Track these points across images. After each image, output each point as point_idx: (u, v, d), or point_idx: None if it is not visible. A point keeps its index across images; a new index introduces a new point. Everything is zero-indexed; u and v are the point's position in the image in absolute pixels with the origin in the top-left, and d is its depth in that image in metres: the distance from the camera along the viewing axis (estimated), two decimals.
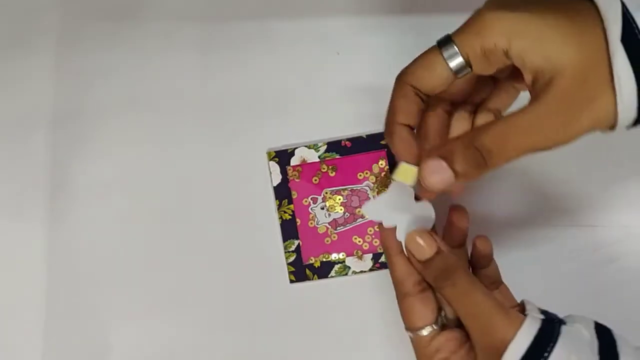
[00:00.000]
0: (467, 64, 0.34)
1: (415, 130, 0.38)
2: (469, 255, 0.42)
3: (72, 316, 0.51)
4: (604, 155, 0.49)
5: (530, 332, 0.34)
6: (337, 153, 0.50)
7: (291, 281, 0.50)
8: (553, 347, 0.33)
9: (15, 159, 0.52)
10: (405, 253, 0.38)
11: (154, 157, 0.52)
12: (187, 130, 0.52)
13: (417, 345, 0.38)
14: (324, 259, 0.50)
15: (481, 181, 0.49)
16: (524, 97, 0.35)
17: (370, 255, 0.50)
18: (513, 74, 0.36)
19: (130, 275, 0.51)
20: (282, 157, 0.50)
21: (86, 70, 0.53)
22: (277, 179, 0.50)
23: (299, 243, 0.50)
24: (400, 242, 0.38)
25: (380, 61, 0.51)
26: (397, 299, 0.39)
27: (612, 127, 0.33)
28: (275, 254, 0.50)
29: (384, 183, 0.50)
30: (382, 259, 0.50)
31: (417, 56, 0.36)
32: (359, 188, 0.50)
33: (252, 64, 0.52)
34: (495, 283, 0.41)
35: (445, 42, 0.34)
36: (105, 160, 0.52)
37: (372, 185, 0.50)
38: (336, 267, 0.50)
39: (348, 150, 0.50)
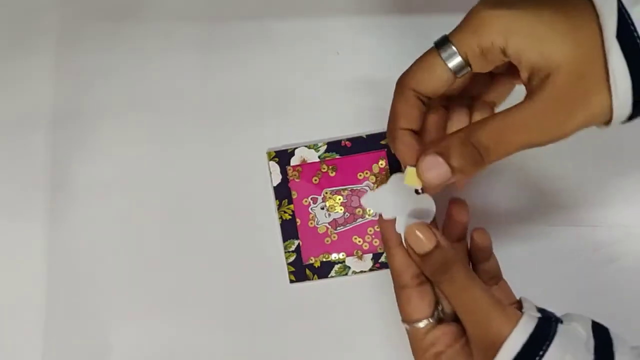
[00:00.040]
0: (466, 63, 0.34)
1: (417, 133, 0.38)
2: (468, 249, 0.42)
3: (72, 316, 0.51)
4: (605, 154, 0.49)
5: (526, 330, 0.34)
6: (337, 153, 0.50)
7: (291, 281, 0.50)
8: (549, 345, 0.33)
9: (15, 159, 0.52)
10: (405, 245, 0.38)
11: (154, 157, 0.52)
12: (187, 130, 0.52)
13: (413, 337, 0.38)
14: (324, 259, 0.50)
15: (480, 181, 0.50)
16: (520, 91, 0.35)
17: (370, 255, 0.50)
18: (509, 69, 0.36)
19: (130, 275, 0.51)
20: (282, 157, 0.50)
21: (86, 70, 0.53)
22: (277, 179, 0.50)
23: (299, 243, 0.50)
24: (400, 234, 0.38)
25: (380, 61, 0.51)
26: (395, 290, 0.39)
27: (608, 122, 0.33)
28: (275, 254, 0.50)
29: (384, 183, 0.50)
30: (382, 259, 0.50)
31: (416, 59, 0.36)
32: (359, 188, 0.50)
33: (252, 64, 0.52)
34: (494, 278, 0.41)
35: (442, 42, 0.34)
36: (105, 160, 0.52)
37: (372, 185, 0.50)
38: (336, 267, 0.50)
39: (348, 150, 0.50)
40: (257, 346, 0.50)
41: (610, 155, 0.49)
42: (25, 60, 0.53)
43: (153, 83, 0.52)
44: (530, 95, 0.33)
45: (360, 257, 0.50)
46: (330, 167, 0.50)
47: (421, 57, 0.35)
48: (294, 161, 0.50)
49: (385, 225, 0.39)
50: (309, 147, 0.50)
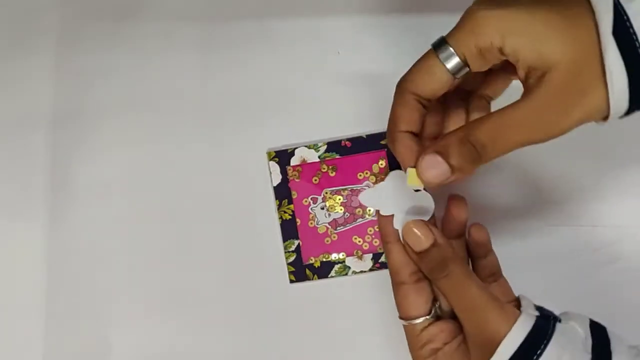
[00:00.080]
0: (465, 63, 0.34)
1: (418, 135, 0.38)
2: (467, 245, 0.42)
3: (72, 316, 0.51)
4: (605, 155, 0.49)
5: (524, 329, 0.34)
6: (337, 153, 0.50)
7: (291, 281, 0.50)
8: (546, 344, 0.33)
9: (15, 159, 0.52)
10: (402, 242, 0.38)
11: (154, 157, 0.52)
12: (187, 130, 0.52)
13: (409, 334, 0.39)
14: (324, 259, 0.50)
15: (479, 180, 0.50)
16: (518, 88, 0.35)
17: (370, 255, 0.50)
18: (506, 64, 0.36)
19: (130, 276, 0.51)
20: (282, 157, 0.50)
21: (86, 70, 0.52)
22: (277, 179, 0.50)
23: (299, 243, 0.50)
24: (398, 230, 0.38)
25: (380, 61, 0.51)
26: (392, 286, 0.39)
27: (605, 118, 0.33)
28: (275, 254, 0.50)
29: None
30: (382, 259, 0.50)
31: (415, 62, 0.36)
32: (359, 188, 0.50)
33: (252, 64, 0.52)
34: (494, 275, 0.41)
35: (440, 44, 0.34)
36: (105, 160, 0.52)
37: (372, 185, 0.50)
38: (336, 267, 0.50)
39: (348, 150, 0.50)
40: (257, 346, 0.50)
41: (610, 156, 0.49)
42: (25, 60, 0.53)
43: (153, 83, 0.52)
44: (527, 93, 0.33)
45: (360, 257, 0.50)
46: (330, 167, 0.50)
47: (420, 60, 0.35)
48: (294, 161, 0.50)
49: (383, 221, 0.39)
50: (309, 147, 0.50)
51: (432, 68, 0.34)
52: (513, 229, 0.49)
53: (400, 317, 0.39)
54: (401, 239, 0.38)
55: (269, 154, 0.50)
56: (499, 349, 0.33)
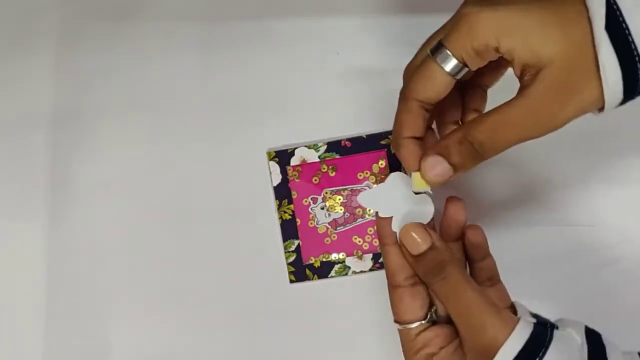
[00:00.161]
0: (464, 64, 0.34)
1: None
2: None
3: (72, 316, 0.51)
4: (605, 156, 0.49)
5: (522, 336, 0.34)
6: (337, 153, 0.50)
7: (291, 281, 0.50)
8: (545, 352, 0.33)
9: (15, 159, 0.52)
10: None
11: (154, 157, 0.52)
12: (187, 130, 0.52)
13: (404, 338, 0.38)
14: (324, 259, 0.50)
15: (477, 181, 0.49)
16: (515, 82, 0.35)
17: (370, 255, 0.50)
18: (501, 58, 0.36)
19: (130, 275, 0.51)
20: (282, 157, 0.50)
21: (86, 70, 0.53)
22: (277, 179, 0.50)
23: (299, 243, 0.50)
24: (396, 233, 0.38)
25: (380, 61, 0.51)
26: (388, 289, 0.39)
27: (601, 109, 0.34)
28: (275, 254, 0.50)
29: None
30: (382, 258, 0.49)
31: (416, 69, 0.36)
32: (359, 188, 0.50)
33: (252, 64, 0.52)
34: (491, 280, 0.41)
35: (437, 48, 0.35)
36: (105, 160, 0.52)
37: (372, 185, 0.50)
38: (336, 267, 0.50)
39: (348, 150, 0.50)
40: (257, 346, 0.50)
41: (610, 157, 0.49)
42: (25, 60, 0.53)
43: (153, 83, 0.52)
44: (522, 90, 0.33)
45: (360, 257, 0.50)
46: (330, 167, 0.50)
47: (420, 66, 0.36)
48: (294, 161, 0.50)
49: (381, 222, 0.39)
50: (309, 147, 0.50)
51: (433, 73, 0.35)
52: (512, 231, 0.49)
53: (396, 321, 0.39)
54: (398, 241, 0.38)
55: (269, 154, 0.50)
56: (497, 356, 0.33)
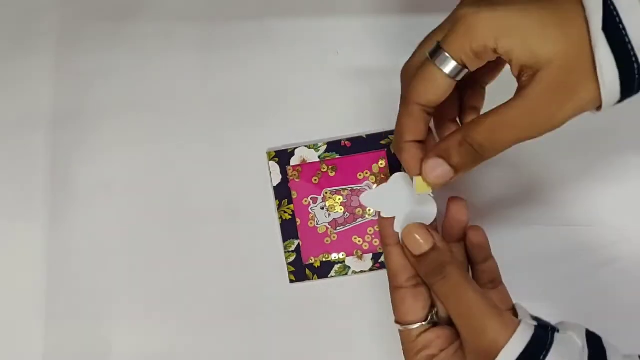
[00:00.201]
0: (463, 66, 0.34)
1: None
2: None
3: (72, 316, 0.51)
4: (603, 156, 0.49)
5: (523, 339, 0.34)
6: (337, 153, 0.50)
7: (291, 281, 0.50)
8: (546, 355, 0.33)
9: (15, 159, 0.52)
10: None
11: (154, 157, 0.52)
12: (187, 130, 0.52)
13: (405, 339, 0.38)
14: (324, 259, 0.50)
15: (476, 184, 0.49)
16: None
17: (370, 255, 0.50)
18: (499, 58, 0.36)
19: (130, 275, 0.51)
20: (282, 157, 0.50)
21: (86, 70, 0.52)
22: (277, 179, 0.50)
23: (299, 243, 0.50)
24: (398, 233, 0.38)
25: (380, 61, 0.51)
26: (390, 290, 0.39)
27: (598, 108, 0.34)
28: (275, 254, 0.50)
29: (384, 182, 0.50)
30: (382, 259, 0.50)
31: (416, 72, 0.36)
32: (359, 188, 0.50)
33: (252, 64, 0.52)
34: (493, 282, 0.41)
35: (436, 51, 0.35)
36: (105, 160, 0.52)
37: (372, 185, 0.50)
38: (336, 267, 0.50)
39: (348, 150, 0.50)
40: (257, 346, 0.50)
41: (608, 157, 0.49)
42: (25, 60, 0.53)
43: (153, 83, 0.52)
44: (520, 91, 0.33)
45: (360, 257, 0.50)
46: (330, 167, 0.50)
47: (419, 69, 0.36)
48: (294, 161, 0.50)
49: (384, 223, 0.39)
50: (309, 147, 0.50)
51: (432, 76, 0.35)
52: (510, 230, 0.49)
53: (396, 322, 0.39)
54: (401, 242, 0.38)
55: (269, 154, 0.50)
56: (498, 359, 0.33)
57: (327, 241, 0.50)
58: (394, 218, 0.39)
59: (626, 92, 0.32)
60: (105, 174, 0.52)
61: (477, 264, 0.41)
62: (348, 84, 0.51)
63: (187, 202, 0.51)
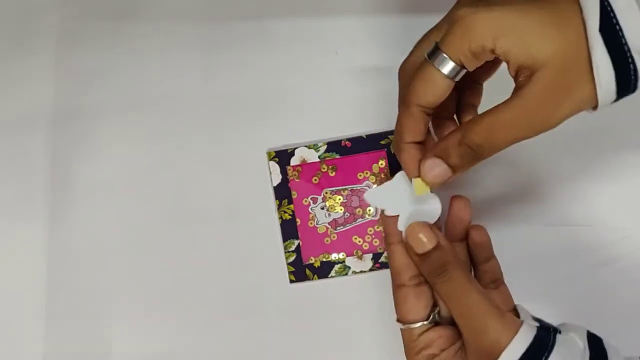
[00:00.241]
0: (461, 66, 0.34)
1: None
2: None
3: (72, 316, 0.51)
4: (603, 156, 0.49)
5: (525, 340, 0.34)
6: (337, 153, 0.50)
7: (291, 281, 0.50)
8: (547, 356, 0.33)
9: (15, 159, 0.52)
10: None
11: (154, 157, 0.52)
12: (187, 130, 0.52)
13: (406, 338, 0.38)
14: (324, 259, 0.50)
15: (476, 184, 0.49)
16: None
17: (370, 255, 0.50)
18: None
19: (130, 275, 0.51)
20: (282, 157, 0.50)
21: (86, 70, 0.52)
22: (277, 179, 0.50)
23: (299, 243, 0.50)
24: (401, 232, 0.38)
25: (379, 61, 0.51)
26: (392, 288, 0.39)
27: (594, 107, 0.34)
28: (275, 254, 0.50)
29: (388, 180, 0.50)
30: (382, 259, 0.50)
31: (415, 75, 0.36)
32: (359, 188, 0.50)
33: (252, 64, 0.52)
34: (495, 282, 0.41)
35: (434, 52, 0.35)
36: (106, 160, 0.52)
37: (372, 185, 0.50)
38: (336, 267, 0.50)
39: (348, 150, 0.50)
40: (257, 346, 0.50)
41: (608, 157, 0.49)
42: (25, 60, 0.53)
43: (153, 83, 0.52)
44: (518, 91, 0.34)
45: (360, 257, 0.50)
46: (330, 167, 0.50)
47: (418, 71, 0.36)
48: (294, 161, 0.50)
49: (387, 221, 0.39)
50: (309, 147, 0.50)
51: (431, 77, 0.35)
52: (511, 231, 0.49)
53: (398, 320, 0.39)
54: (404, 240, 0.38)
55: (269, 154, 0.50)
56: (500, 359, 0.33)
57: (327, 241, 0.50)
58: (397, 216, 0.39)
59: (622, 92, 0.32)
60: (105, 174, 0.52)
61: (479, 263, 0.41)
62: (348, 84, 0.51)
63: (187, 202, 0.51)
